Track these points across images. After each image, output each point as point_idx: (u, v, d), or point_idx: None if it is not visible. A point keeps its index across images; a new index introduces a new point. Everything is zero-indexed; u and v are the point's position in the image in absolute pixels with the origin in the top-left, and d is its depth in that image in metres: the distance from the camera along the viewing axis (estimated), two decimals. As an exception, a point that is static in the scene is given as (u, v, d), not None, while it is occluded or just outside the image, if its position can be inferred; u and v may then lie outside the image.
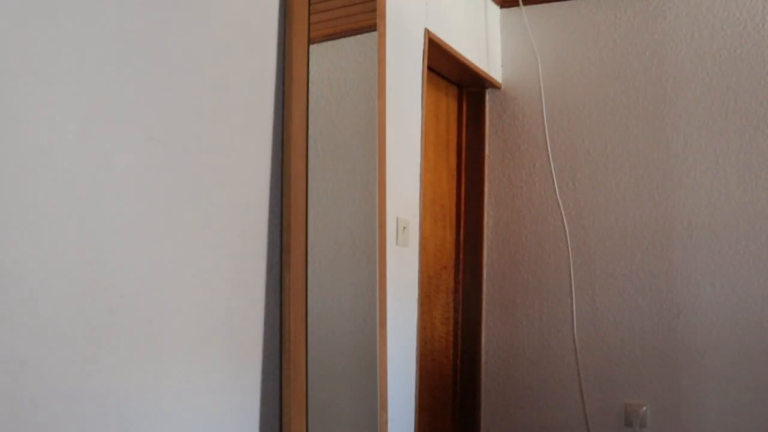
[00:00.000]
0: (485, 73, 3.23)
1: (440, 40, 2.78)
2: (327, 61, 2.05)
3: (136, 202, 1.46)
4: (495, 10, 3.38)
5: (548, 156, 3.23)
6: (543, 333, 3.24)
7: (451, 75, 3.20)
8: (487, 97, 3.40)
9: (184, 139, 1.57)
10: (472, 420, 3.29)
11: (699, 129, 3.08)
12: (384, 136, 2.24)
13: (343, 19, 2.21)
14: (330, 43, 2.11)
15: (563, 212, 3.19)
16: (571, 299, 3.15)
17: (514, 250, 3.31)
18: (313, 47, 1.90)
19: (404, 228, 2.47)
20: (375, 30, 2.23)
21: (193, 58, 1.60)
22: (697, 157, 3.08)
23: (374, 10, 2.22)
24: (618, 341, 3.15)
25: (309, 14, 1.89)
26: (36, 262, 1.27)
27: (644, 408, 3.06)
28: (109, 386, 1.39)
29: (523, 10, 3.32)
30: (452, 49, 2.89)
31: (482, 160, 3.36)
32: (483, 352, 3.34)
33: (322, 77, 2.00)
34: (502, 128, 3.38)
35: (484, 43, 3.26)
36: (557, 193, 3.21)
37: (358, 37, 2.25)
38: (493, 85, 3.34)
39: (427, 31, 2.66)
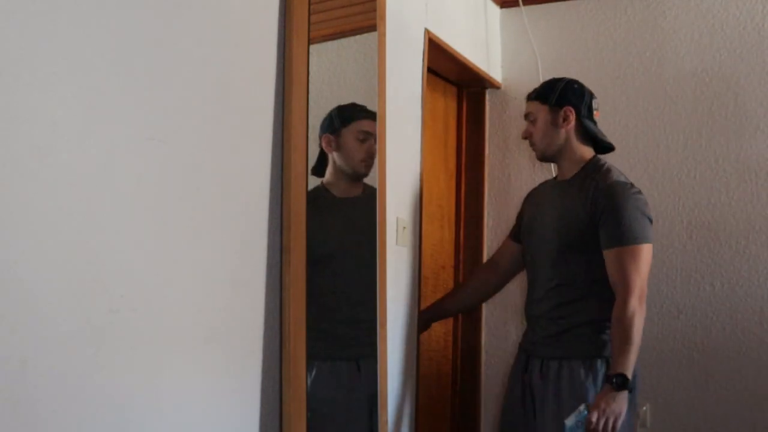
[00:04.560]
0: (485, 73, 3.23)
1: (440, 40, 2.78)
2: (327, 61, 2.05)
3: (136, 202, 1.46)
4: (495, 10, 3.38)
5: (548, 156, 3.23)
6: (543, 333, 3.23)
7: (451, 75, 3.20)
8: (487, 97, 3.40)
9: (184, 139, 1.57)
10: (472, 420, 3.29)
11: (699, 129, 3.08)
12: (384, 136, 2.24)
13: (343, 19, 2.21)
14: (330, 43, 2.11)
15: (563, 212, 3.18)
16: (571, 299, 3.14)
17: (514, 250, 3.30)
18: (313, 47, 1.90)
19: (404, 228, 2.47)
20: (375, 30, 2.23)
21: (193, 58, 1.60)
22: (697, 157, 3.07)
23: (374, 10, 2.22)
24: (618, 341, 3.15)
25: (309, 14, 1.89)
26: (36, 262, 1.27)
27: (644, 408, 3.06)
28: (109, 386, 1.39)
29: (523, 10, 3.31)
30: (452, 49, 2.89)
31: (482, 160, 3.36)
32: (483, 352, 3.33)
33: (322, 77, 2.00)
34: (502, 128, 3.38)
35: (484, 43, 3.26)
36: (557, 193, 3.20)
37: (358, 37, 2.25)
38: (493, 85, 3.34)
39: (427, 31, 2.66)
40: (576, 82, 2.44)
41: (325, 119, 2.05)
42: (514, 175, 3.33)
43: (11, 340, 1.22)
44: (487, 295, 2.79)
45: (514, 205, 3.31)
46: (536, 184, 3.26)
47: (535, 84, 3.25)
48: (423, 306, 2.67)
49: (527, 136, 2.45)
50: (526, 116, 2.46)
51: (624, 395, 2.12)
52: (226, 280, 1.68)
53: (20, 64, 1.24)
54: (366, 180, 2.22)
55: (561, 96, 2.38)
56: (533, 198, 2.58)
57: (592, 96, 2.42)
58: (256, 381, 1.76)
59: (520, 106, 3.34)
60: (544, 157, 2.46)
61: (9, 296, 1.22)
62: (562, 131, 2.38)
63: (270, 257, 1.80)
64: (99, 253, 1.38)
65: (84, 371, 1.34)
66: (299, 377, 1.80)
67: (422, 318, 2.64)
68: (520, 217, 2.60)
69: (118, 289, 1.41)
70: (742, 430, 2.95)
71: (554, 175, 2.58)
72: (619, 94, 3.20)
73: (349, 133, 2.13)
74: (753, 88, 3.02)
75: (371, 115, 2.20)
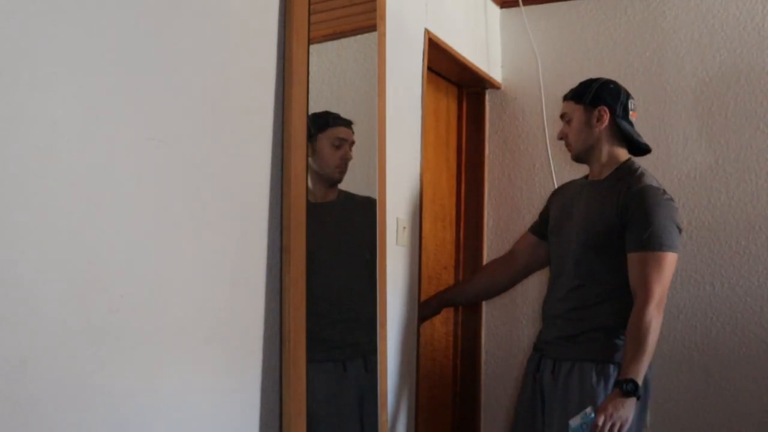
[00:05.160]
0: (485, 73, 3.23)
1: (440, 40, 2.78)
2: (327, 61, 2.05)
3: (137, 202, 1.46)
4: (495, 10, 3.38)
5: (548, 156, 3.23)
6: (543, 333, 3.23)
7: (451, 75, 3.20)
8: (487, 97, 3.40)
9: (184, 139, 1.57)
10: (472, 420, 3.29)
11: (699, 129, 3.08)
12: (384, 136, 2.24)
13: (343, 19, 2.21)
14: (330, 43, 2.11)
15: (563, 212, 3.18)
16: (571, 299, 3.14)
17: (514, 250, 3.31)
18: (313, 47, 1.90)
19: (404, 228, 2.47)
20: (375, 30, 2.23)
21: (193, 58, 1.60)
22: (698, 157, 3.07)
23: (374, 10, 2.22)
24: (618, 341, 3.14)
25: (309, 14, 1.89)
26: (36, 262, 1.27)
27: (644, 408, 3.06)
28: (109, 386, 1.39)
29: (523, 10, 3.31)
30: (452, 49, 2.89)
31: (482, 160, 3.36)
32: (483, 352, 3.33)
33: (322, 77, 2.00)
34: (502, 128, 3.38)
35: (484, 43, 3.26)
36: (557, 193, 3.20)
37: (358, 37, 2.25)
38: (493, 85, 3.34)
39: (427, 31, 2.66)
40: (612, 82, 2.41)
41: None
42: (514, 175, 3.33)
43: (11, 340, 1.22)
44: (501, 287, 2.73)
45: (515, 205, 3.32)
46: (536, 184, 3.27)
47: (535, 84, 3.26)
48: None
49: (563, 136, 2.42)
50: (562, 116, 2.43)
51: (632, 402, 2.09)
52: (226, 280, 1.68)
53: (20, 64, 1.24)
54: (365, 182, 2.22)
55: (596, 96, 2.36)
56: (560, 196, 2.55)
57: (628, 96, 2.39)
58: (256, 381, 1.77)
59: (521, 106, 3.36)
60: (578, 158, 2.43)
61: (9, 296, 1.22)
62: (596, 131, 2.35)
63: (270, 257, 1.80)
64: (99, 253, 1.38)
65: (84, 371, 1.34)
66: (299, 377, 1.80)
67: (434, 302, 2.65)
68: (544, 213, 2.57)
69: (118, 289, 1.41)
70: (743, 430, 2.95)
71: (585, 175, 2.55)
72: (619, 94, 3.19)
73: (325, 139, 2.14)
74: (753, 88, 3.01)
75: (346, 123, 2.21)
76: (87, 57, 1.36)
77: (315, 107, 1.92)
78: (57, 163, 1.30)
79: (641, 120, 3.15)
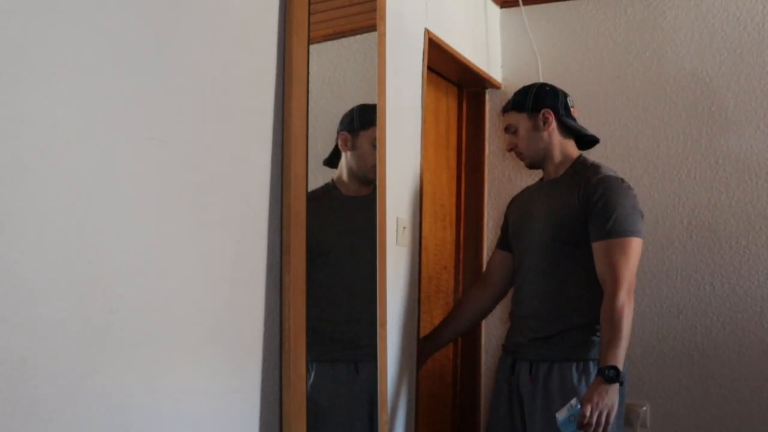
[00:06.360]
0: (485, 73, 3.23)
1: (440, 40, 2.78)
2: (327, 61, 2.05)
3: (136, 202, 1.46)
4: (495, 10, 3.38)
5: (548, 156, 3.23)
6: (543, 333, 3.23)
7: (451, 75, 3.20)
8: (487, 97, 3.40)
9: (184, 139, 1.57)
10: (472, 420, 3.29)
11: (699, 129, 3.08)
12: (384, 136, 2.24)
13: (343, 19, 2.21)
14: (330, 43, 2.11)
15: (563, 212, 3.18)
16: (571, 299, 3.14)
17: (514, 250, 3.31)
18: (313, 47, 1.90)
19: (404, 228, 2.47)
20: (375, 30, 2.22)
21: (193, 58, 1.60)
22: (697, 157, 3.07)
23: (374, 10, 2.22)
24: (618, 341, 3.14)
25: (309, 14, 1.89)
26: (36, 262, 1.27)
27: (644, 408, 3.06)
28: (109, 386, 1.39)
29: (523, 10, 3.31)
30: (452, 49, 2.89)
31: (482, 160, 3.36)
32: (483, 352, 3.33)
33: (322, 77, 2.00)
34: (503, 128, 3.38)
35: (484, 43, 3.26)
36: (557, 193, 3.20)
37: (358, 37, 2.25)
38: (493, 85, 3.34)
39: (427, 31, 2.66)
40: (547, 84, 2.46)
41: (346, 116, 2.04)
42: (514, 175, 3.33)
43: (11, 340, 1.22)
44: (485, 312, 2.70)
45: (514, 205, 3.31)
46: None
47: (535, 84, 3.26)
48: (423, 307, 2.66)
49: (512, 147, 2.46)
50: (506, 129, 2.47)
51: (615, 388, 2.09)
52: (226, 280, 1.68)
53: (20, 64, 1.24)
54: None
55: (536, 100, 2.40)
56: (518, 203, 2.57)
57: (566, 95, 2.44)
58: (256, 381, 1.76)
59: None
60: (532, 164, 2.48)
61: (9, 296, 1.22)
62: (545, 134, 2.40)
63: (270, 257, 1.80)
64: (99, 253, 1.38)
65: (84, 371, 1.34)
66: (299, 377, 1.80)
67: (421, 352, 2.57)
68: (504, 225, 2.59)
69: (118, 289, 1.41)
70: (742, 430, 2.95)
71: (540, 178, 2.57)
72: (619, 94, 3.20)
73: (366, 137, 2.14)
74: (753, 88, 3.01)
75: None
76: (87, 57, 1.36)
77: (315, 107, 1.92)
78: (57, 163, 1.30)
79: (641, 120, 3.16)
